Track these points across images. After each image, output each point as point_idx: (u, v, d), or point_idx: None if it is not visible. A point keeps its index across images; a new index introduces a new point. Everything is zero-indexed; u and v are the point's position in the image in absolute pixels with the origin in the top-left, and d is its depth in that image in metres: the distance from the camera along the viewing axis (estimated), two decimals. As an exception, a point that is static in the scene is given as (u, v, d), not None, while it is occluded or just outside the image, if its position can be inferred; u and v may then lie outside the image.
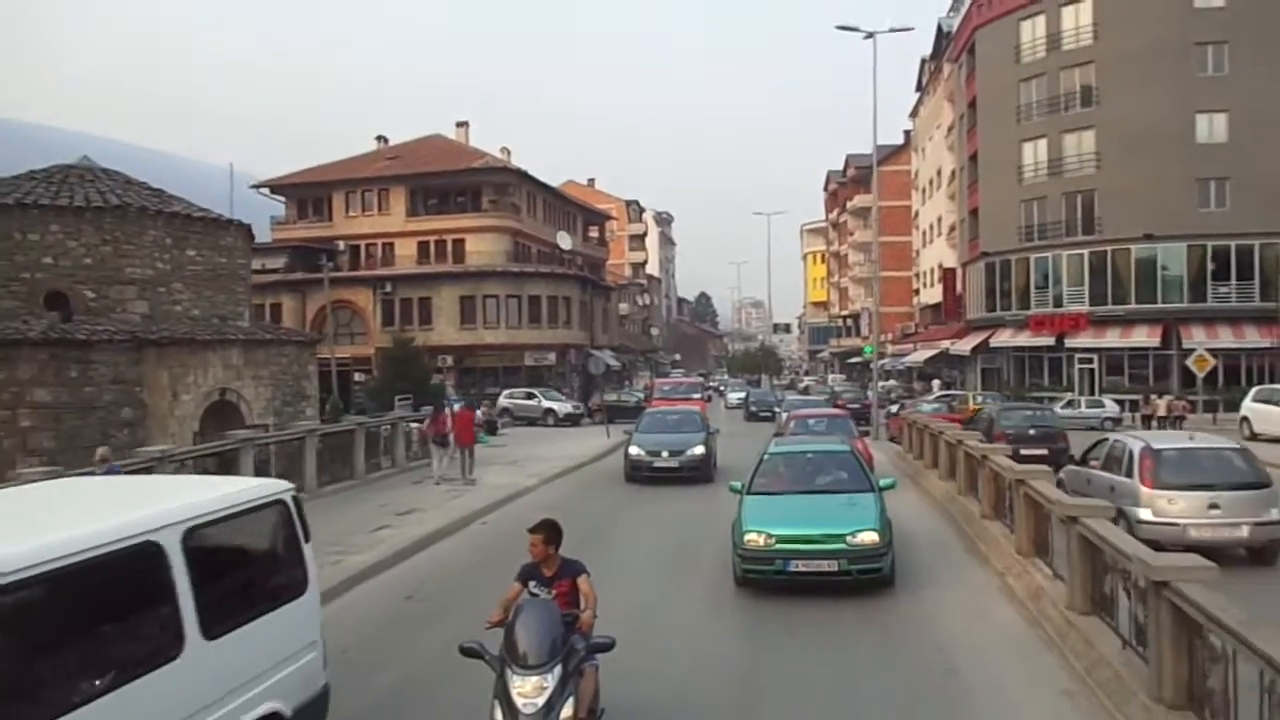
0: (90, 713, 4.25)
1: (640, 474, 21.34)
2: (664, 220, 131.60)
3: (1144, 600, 6.18)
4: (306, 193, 56.99)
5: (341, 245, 54.52)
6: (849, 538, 10.42)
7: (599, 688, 6.19)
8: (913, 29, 35.74)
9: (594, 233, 73.77)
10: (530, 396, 44.82)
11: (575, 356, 54.58)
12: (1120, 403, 38.26)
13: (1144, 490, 11.51)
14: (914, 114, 78.31)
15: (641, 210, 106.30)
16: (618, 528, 15.45)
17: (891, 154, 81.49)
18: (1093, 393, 41.81)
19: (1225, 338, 40.79)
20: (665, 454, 21.23)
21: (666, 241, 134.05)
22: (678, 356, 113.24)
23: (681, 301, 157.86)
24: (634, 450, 21.74)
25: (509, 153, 59.71)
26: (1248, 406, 26.69)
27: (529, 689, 5.44)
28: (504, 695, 5.50)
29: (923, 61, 71.71)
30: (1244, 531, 11.11)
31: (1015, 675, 7.43)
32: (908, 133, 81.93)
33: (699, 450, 21.28)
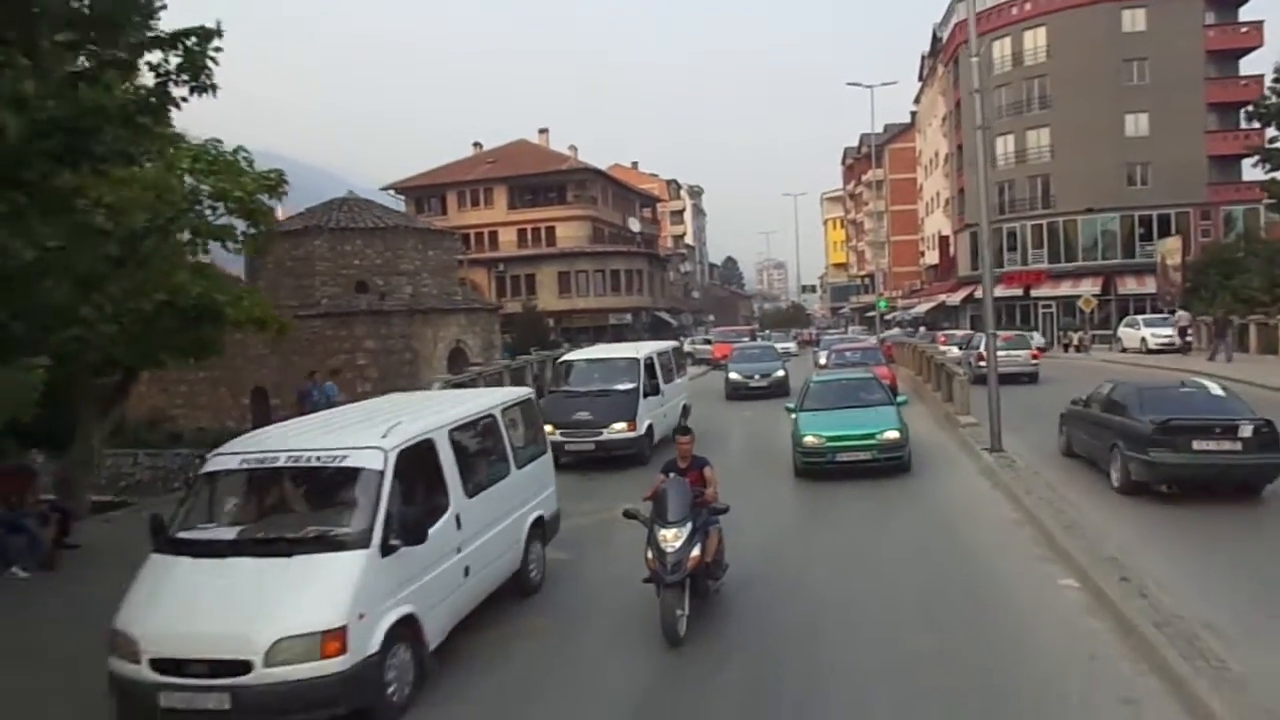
0: (472, 504, 8.21)
1: (739, 393, 27.70)
2: (695, 193, 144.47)
3: (948, 379, 20.22)
4: (423, 193, 70.98)
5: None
6: (878, 435, 14.30)
7: (723, 545, 8.70)
8: (897, 83, 49.38)
9: (647, 214, 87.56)
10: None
11: (645, 316, 68.66)
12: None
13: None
14: (917, 100, 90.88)
15: (680, 188, 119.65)
16: (726, 417, 24.07)
17: (900, 133, 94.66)
18: (1048, 332, 54.72)
19: (1149, 285, 54.04)
20: (757, 377, 28.17)
21: (698, 213, 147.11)
22: (712, 317, 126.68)
23: (712, 266, 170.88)
24: (734, 375, 28.62)
25: (576, 150, 73.44)
26: (1120, 331, 40.47)
27: (670, 536, 7.90)
28: (654, 542, 7.98)
29: (922, 57, 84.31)
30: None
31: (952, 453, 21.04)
32: (914, 114, 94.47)
33: (780, 373, 28.40)
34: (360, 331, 35.07)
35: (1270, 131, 39.14)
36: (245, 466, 7.52)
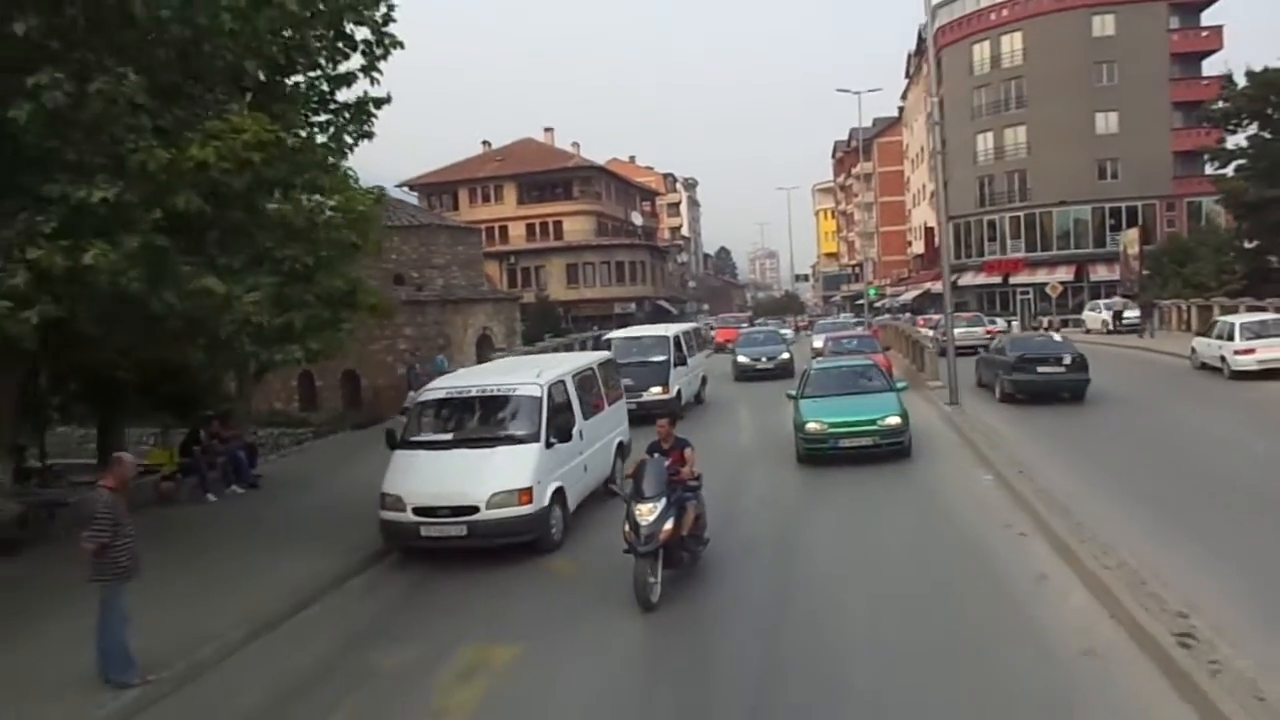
0: (590, 424, 12.54)
1: (747, 374, 29.05)
2: (690, 185, 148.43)
3: (920, 351, 24.31)
4: (436, 189, 74.76)
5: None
6: (879, 421, 14.41)
7: (704, 521, 9.68)
8: (881, 89, 53.39)
9: (647, 207, 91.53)
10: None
11: (648, 305, 72.69)
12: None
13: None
14: (904, 96, 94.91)
15: (676, 181, 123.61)
16: (736, 396, 27.40)
17: (888, 126, 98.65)
18: (1024, 316, 59.01)
19: (1117, 272, 58.27)
20: (764, 359, 29.53)
21: (693, 204, 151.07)
22: (707, 306, 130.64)
23: (706, 256, 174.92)
24: (742, 358, 29.92)
25: (578, 146, 77.33)
26: (1085, 314, 44.78)
27: (645, 510, 8.78)
28: (630, 516, 8.86)
29: (909, 56, 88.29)
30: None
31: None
32: (901, 109, 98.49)
33: (785, 356, 29.79)
34: (400, 320, 38.97)
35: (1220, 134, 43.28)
36: (449, 395, 11.61)
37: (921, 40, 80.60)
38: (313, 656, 8.30)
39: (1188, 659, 6.43)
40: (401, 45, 11.77)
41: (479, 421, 11.49)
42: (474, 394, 11.64)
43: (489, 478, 10.36)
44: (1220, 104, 42.50)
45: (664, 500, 8.88)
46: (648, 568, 8.67)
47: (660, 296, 76.79)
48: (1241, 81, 40.60)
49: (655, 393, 20.29)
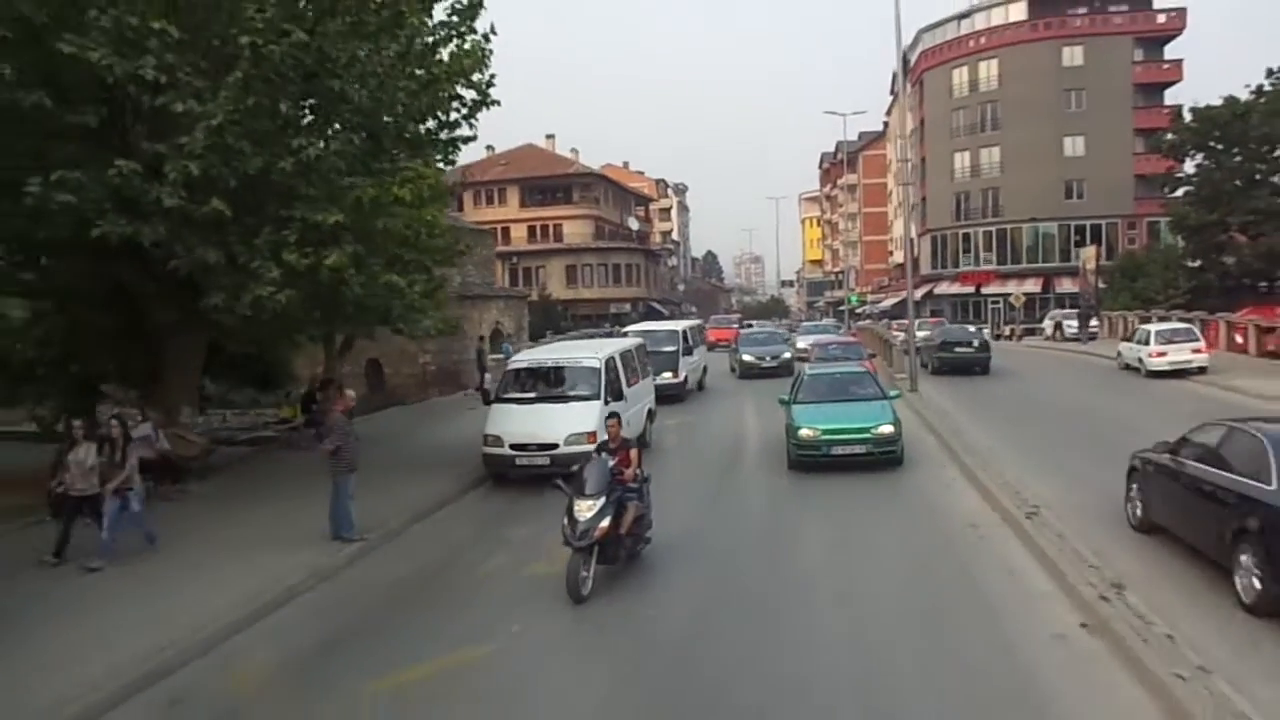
0: (630, 391, 16.69)
1: (751, 372, 30.16)
2: (680, 191, 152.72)
3: (889, 348, 28.46)
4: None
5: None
6: (873, 430, 14.41)
7: (648, 520, 10.18)
8: (866, 110, 57.51)
9: (641, 212, 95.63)
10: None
11: (641, 306, 76.74)
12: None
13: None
14: (889, 112, 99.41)
15: (667, 187, 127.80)
16: (737, 388, 32.95)
17: (873, 140, 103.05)
18: (991, 324, 63.36)
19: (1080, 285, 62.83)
20: (768, 358, 30.63)
21: (683, 209, 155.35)
22: (695, 308, 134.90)
23: (694, 260, 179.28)
24: (746, 357, 31.09)
25: (578, 153, 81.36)
26: (1045, 323, 49.36)
27: (584, 507, 9.16)
28: (570, 512, 9.24)
29: (894, 75, 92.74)
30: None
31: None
32: (885, 124, 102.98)
33: (787, 355, 31.00)
34: (423, 311, 42.81)
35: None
36: (531, 366, 15.65)
37: (906, 60, 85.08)
38: (461, 532, 12.30)
39: (1030, 526, 10.54)
40: (498, 103, 15.73)
41: (554, 384, 15.52)
42: (549, 365, 15.76)
43: (565, 424, 14.37)
44: (1169, 136, 47.02)
45: (603, 499, 9.30)
46: (581, 562, 9.09)
47: (653, 298, 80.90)
48: (1188, 117, 45.16)
49: (666, 377, 24.22)
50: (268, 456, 18.46)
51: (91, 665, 7.59)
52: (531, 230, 76.74)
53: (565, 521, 9.27)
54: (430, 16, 14.03)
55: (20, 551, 11.26)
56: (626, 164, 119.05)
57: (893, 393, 16.72)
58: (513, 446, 14.40)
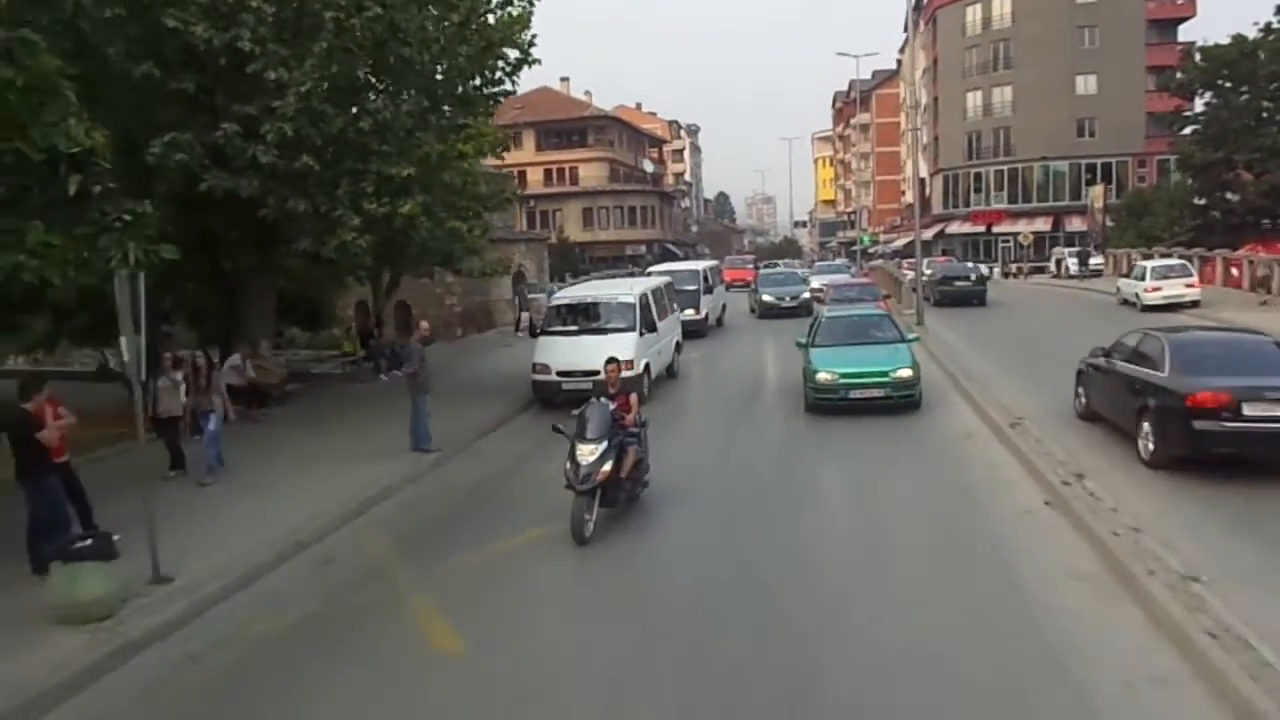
0: (661, 324, 18.77)
1: (771, 312, 30.95)
2: (692, 131, 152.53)
3: (899, 286, 30.02)
4: (459, 135, 79.55)
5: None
6: (892, 373, 14.33)
7: (646, 464, 10.27)
8: (878, 52, 58.01)
9: (655, 153, 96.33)
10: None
11: (656, 248, 78.08)
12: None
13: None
14: (902, 49, 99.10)
15: (680, 128, 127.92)
16: (756, 326, 37.51)
17: (886, 79, 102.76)
18: (1002, 262, 64.52)
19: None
20: (788, 299, 31.35)
21: (695, 150, 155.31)
22: (707, 249, 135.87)
23: (706, 201, 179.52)
24: (766, 297, 31.78)
25: (591, 95, 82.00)
26: (1051, 262, 50.68)
27: (586, 451, 9.22)
28: (572, 456, 9.31)
29: (908, 11, 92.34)
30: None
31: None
32: (899, 61, 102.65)
33: (806, 295, 31.60)
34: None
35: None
36: (574, 302, 17.38)
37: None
38: (519, 445, 14.14)
39: (1015, 435, 12.31)
40: (539, 61, 17.21)
41: (594, 319, 17.27)
42: (590, 300, 17.52)
43: (605, 352, 16.07)
44: (1178, 75, 47.71)
45: (605, 443, 9.36)
46: (584, 505, 9.17)
47: (668, 239, 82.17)
48: (1197, 56, 45.83)
49: (689, 314, 25.87)
50: (336, 386, 20.37)
51: (247, 542, 9.47)
52: (548, 173, 77.81)
53: (568, 465, 9.38)
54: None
55: (133, 469, 13.02)
56: (639, 105, 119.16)
57: (911, 336, 16.47)
58: (559, 373, 16.19)
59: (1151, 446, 10.49)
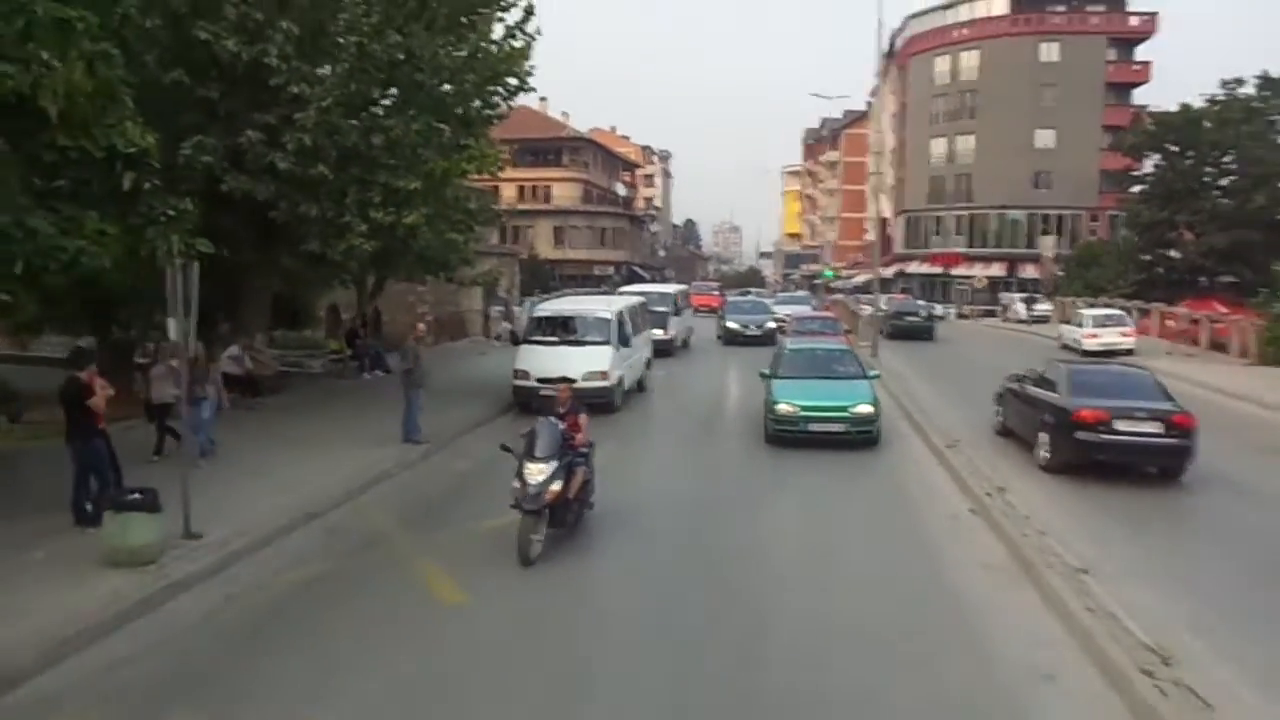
0: (635, 341, 20.42)
1: (735, 339, 31.72)
2: (664, 157, 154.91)
3: (856, 319, 31.66)
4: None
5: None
6: (851, 409, 14.59)
7: (592, 485, 10.22)
8: (849, 95, 60.45)
9: (628, 177, 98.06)
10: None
11: (624, 270, 79.55)
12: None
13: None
14: (873, 92, 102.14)
15: (653, 153, 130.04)
16: (720, 351, 39.80)
17: (856, 119, 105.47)
18: (957, 304, 66.88)
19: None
20: (752, 327, 32.13)
21: (665, 175, 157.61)
22: (673, 273, 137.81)
23: (674, 227, 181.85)
24: (731, 324, 32.65)
25: (568, 116, 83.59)
26: (1000, 306, 52.97)
27: (535, 470, 9.03)
28: (520, 475, 9.10)
29: (879, 56, 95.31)
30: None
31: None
32: (870, 104, 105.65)
33: (771, 325, 32.35)
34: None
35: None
36: (554, 315, 18.62)
37: (893, 44, 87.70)
38: (501, 441, 15.26)
39: (950, 455, 13.78)
40: (534, 89, 18.53)
41: (572, 331, 18.53)
42: (570, 314, 18.78)
43: (582, 363, 17.37)
44: (1130, 137, 50.38)
45: (554, 462, 9.20)
46: (531, 525, 9.04)
47: (635, 262, 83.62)
48: (1148, 121, 48.51)
49: (659, 334, 27.24)
50: (322, 381, 21.37)
51: (262, 510, 10.51)
52: (521, 190, 78.95)
53: (515, 484, 9.17)
54: (500, 20, 16.94)
55: (140, 447, 13.66)
56: (614, 129, 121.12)
57: (873, 372, 16.69)
58: (539, 379, 17.36)
59: (1046, 454, 12.98)
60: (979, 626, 7.70)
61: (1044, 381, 13.89)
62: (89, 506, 9.62)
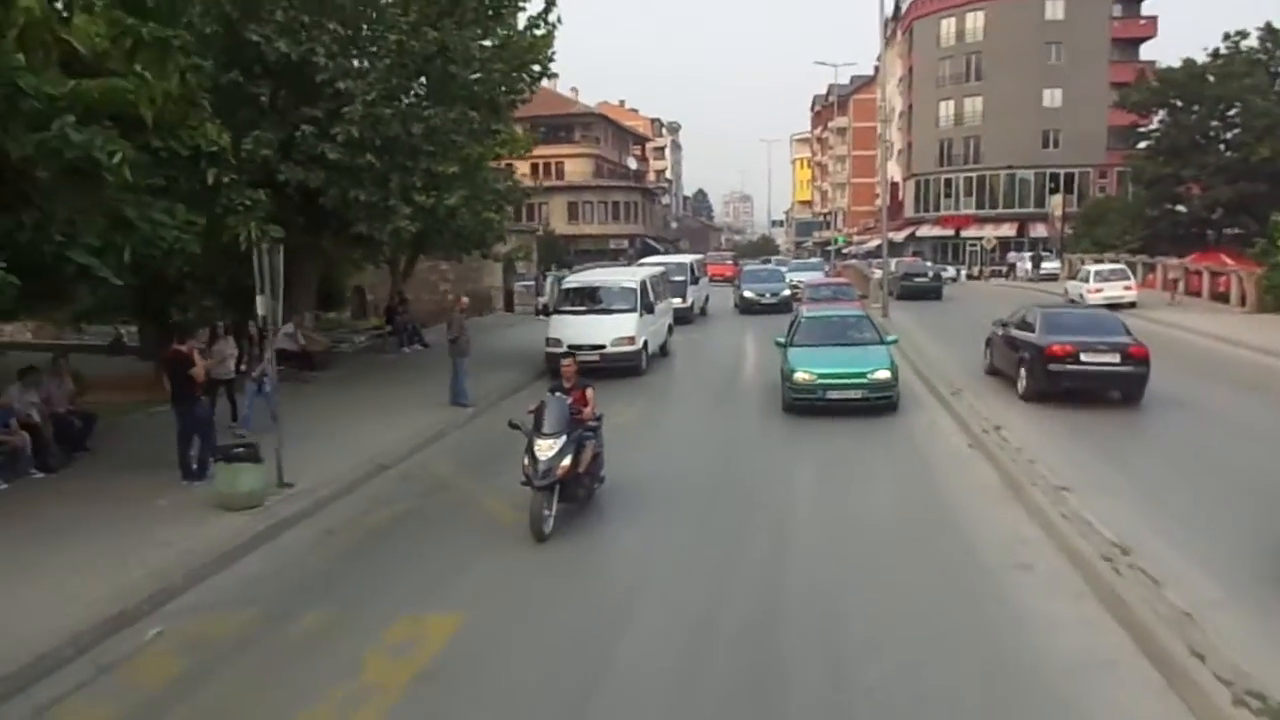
0: (658, 308, 21.92)
1: (752, 308, 32.43)
2: (674, 129, 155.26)
3: (867, 282, 32.77)
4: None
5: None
6: (869, 375, 14.53)
7: (602, 460, 10.21)
8: (855, 63, 61.00)
9: (639, 150, 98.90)
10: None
11: (638, 243, 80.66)
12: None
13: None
14: (880, 58, 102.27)
15: (662, 126, 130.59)
16: (741, 322, 40.76)
17: (864, 84, 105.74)
18: (968, 264, 67.91)
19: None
20: (768, 295, 32.78)
21: (675, 148, 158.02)
22: (686, 244, 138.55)
23: (685, 198, 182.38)
24: (747, 293, 33.28)
25: (577, 91, 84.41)
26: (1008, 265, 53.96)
27: (545, 446, 9.09)
28: (530, 451, 9.17)
29: (885, 20, 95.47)
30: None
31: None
32: (877, 68, 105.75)
33: (786, 292, 33.08)
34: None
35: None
36: (583, 285, 19.95)
37: (898, 8, 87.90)
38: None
39: (952, 398, 15.06)
40: (556, 75, 19.71)
41: (602, 300, 19.86)
42: (598, 285, 20.12)
43: (611, 330, 18.72)
44: (1135, 94, 50.95)
45: (564, 437, 9.17)
46: (543, 501, 9.07)
47: (649, 235, 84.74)
48: (1152, 77, 49.08)
49: (677, 302, 28.48)
50: (366, 355, 22.85)
51: (339, 464, 11.91)
52: (534, 167, 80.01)
53: (525, 461, 9.18)
54: (523, 10, 18.17)
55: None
56: (623, 102, 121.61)
57: (890, 337, 16.56)
58: (570, 346, 18.67)
59: (1023, 385, 15.21)
60: (971, 532, 9.03)
61: (1024, 324, 15.91)
62: (194, 465, 11.04)
